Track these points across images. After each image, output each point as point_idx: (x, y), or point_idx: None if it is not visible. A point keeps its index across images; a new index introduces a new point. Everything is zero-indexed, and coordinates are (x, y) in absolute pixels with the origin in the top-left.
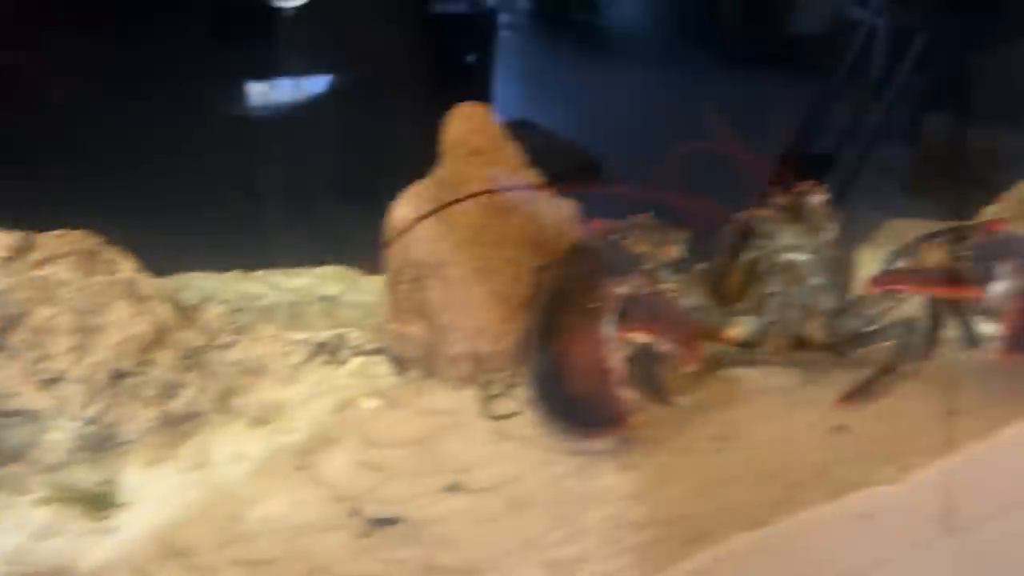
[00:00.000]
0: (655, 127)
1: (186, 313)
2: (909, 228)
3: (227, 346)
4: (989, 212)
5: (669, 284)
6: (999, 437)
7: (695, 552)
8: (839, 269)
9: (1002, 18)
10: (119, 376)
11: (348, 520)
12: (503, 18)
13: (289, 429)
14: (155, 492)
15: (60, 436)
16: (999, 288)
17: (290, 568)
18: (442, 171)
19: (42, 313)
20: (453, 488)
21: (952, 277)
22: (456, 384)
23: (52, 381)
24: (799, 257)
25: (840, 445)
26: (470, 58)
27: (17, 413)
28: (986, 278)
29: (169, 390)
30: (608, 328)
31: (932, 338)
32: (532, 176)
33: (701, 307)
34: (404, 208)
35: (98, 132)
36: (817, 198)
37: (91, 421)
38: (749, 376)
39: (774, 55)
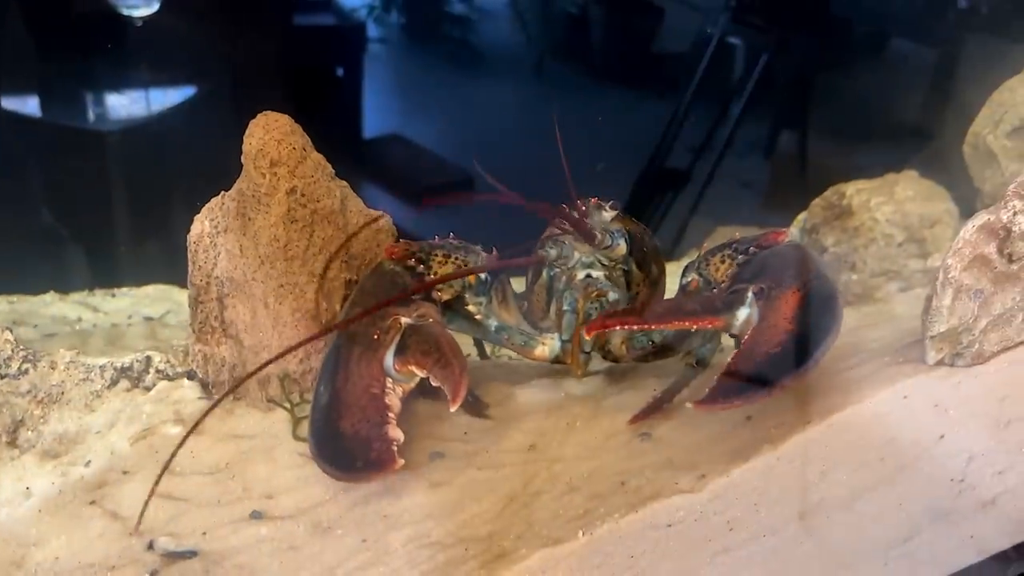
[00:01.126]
0: (523, 141)
1: None
2: (731, 233)
3: (18, 374)
4: (799, 219)
5: (472, 306)
6: (785, 446)
7: (497, 572)
8: (637, 281)
9: (845, 38)
10: None
11: (142, 555)
12: (374, 32)
13: (83, 461)
14: None
15: None
16: (742, 316)
17: None
18: (241, 183)
19: None
20: (256, 516)
21: (688, 309)
22: (265, 407)
23: None
24: (593, 273)
25: (643, 453)
26: (338, 71)
27: None
28: (734, 304)
29: None
30: (388, 361)
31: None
32: (341, 188)
33: (507, 327)
34: (203, 222)
35: None
36: (606, 214)
37: None
38: (564, 385)
39: (640, 72)
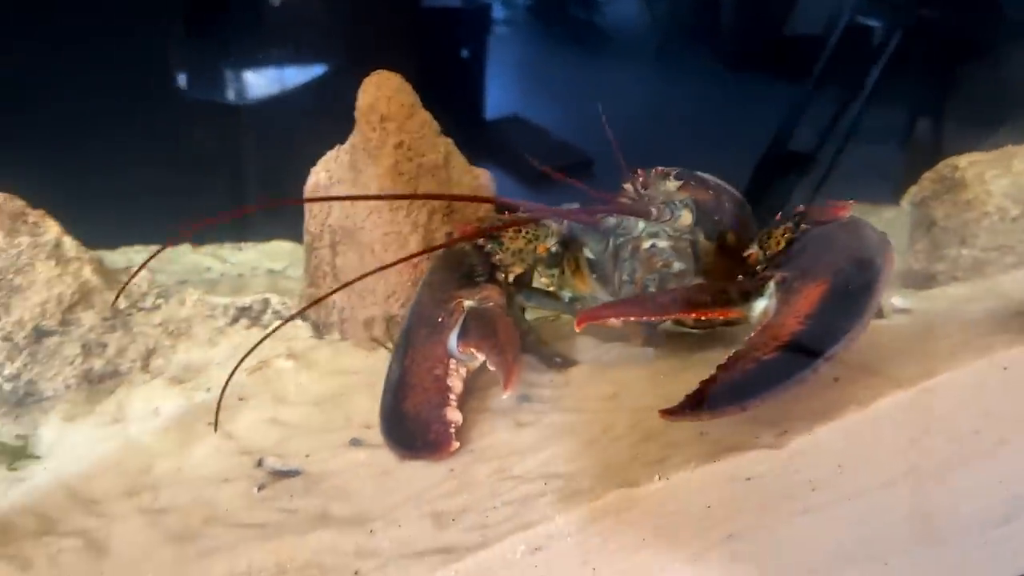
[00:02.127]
0: (645, 124)
1: (115, 276)
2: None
3: (152, 309)
4: (910, 191)
5: (546, 278)
6: (874, 408)
7: (572, 507)
8: (707, 252)
9: (986, 15)
10: (41, 335)
11: (251, 472)
12: (499, 13)
13: (204, 387)
14: (70, 445)
15: None
16: (760, 307)
17: (189, 516)
18: (354, 138)
19: None
20: (355, 443)
21: (699, 299)
22: (369, 346)
23: None
24: (658, 243)
25: None
26: (464, 53)
27: None
28: (752, 293)
29: (91, 349)
30: (452, 342)
31: None
32: (445, 144)
33: (581, 297)
34: (319, 174)
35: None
36: (670, 184)
37: (11, 378)
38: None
39: (770, 54)
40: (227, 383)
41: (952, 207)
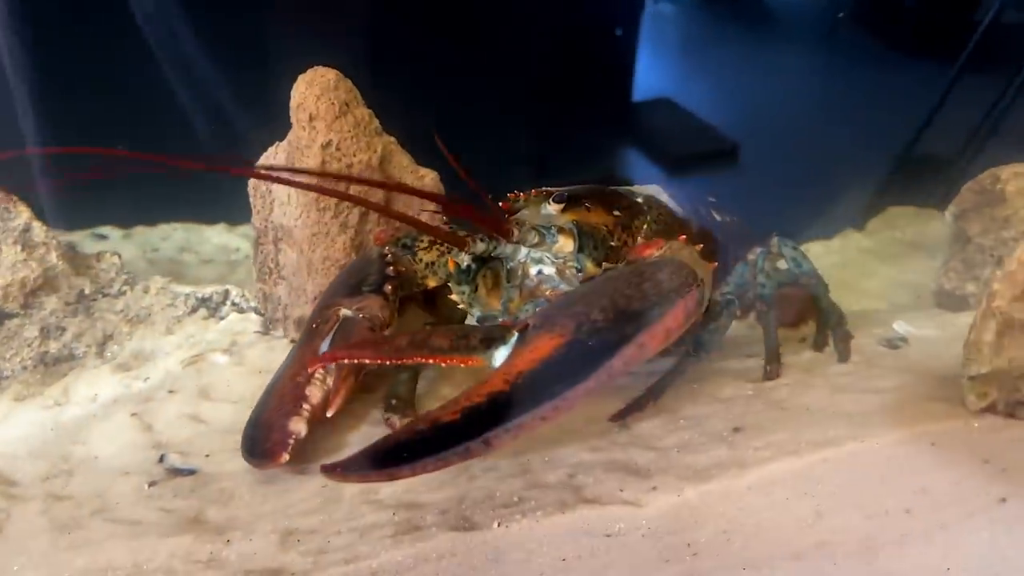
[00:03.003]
0: (805, 113)
1: (84, 261)
2: (901, 215)
3: (117, 295)
4: (951, 207)
5: (456, 295)
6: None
7: (401, 546)
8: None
9: None
10: (2, 316)
11: (151, 467)
12: None
13: (144, 376)
14: (12, 425)
15: None
16: (501, 357)
17: (81, 506)
18: (290, 134)
19: None
20: None
21: (439, 344)
22: None
23: None
24: (544, 269)
25: None
26: (617, 30)
27: None
28: (495, 341)
29: (49, 332)
30: (323, 351)
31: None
32: (384, 144)
33: (490, 315)
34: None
35: None
36: (550, 208)
37: None
38: None
39: (958, 41)
40: None
41: (990, 222)
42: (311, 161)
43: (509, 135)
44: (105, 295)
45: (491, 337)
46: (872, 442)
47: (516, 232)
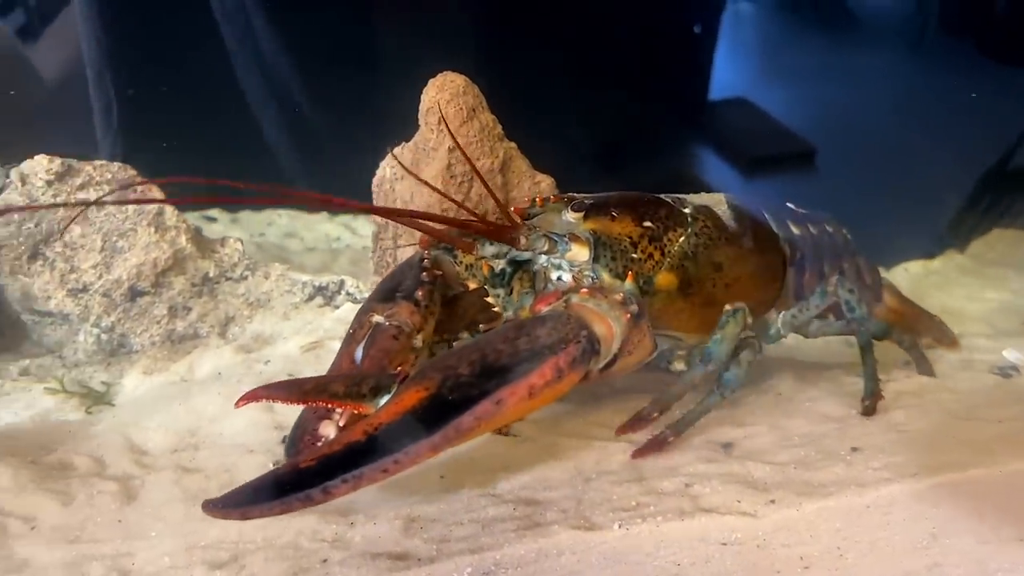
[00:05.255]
0: (885, 120)
1: (209, 246)
2: (1005, 238)
3: (239, 280)
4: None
5: (492, 298)
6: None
7: None
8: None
9: None
10: (136, 294)
11: (276, 447)
12: None
13: (265, 359)
14: (142, 397)
15: (84, 339)
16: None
17: (211, 479)
18: (418, 136)
19: (76, 231)
20: None
21: (335, 389)
22: None
23: (79, 291)
24: (563, 276)
25: None
26: (696, 28)
27: (50, 314)
28: (381, 389)
29: (177, 311)
30: (358, 355)
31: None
32: (506, 150)
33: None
34: (385, 168)
35: None
36: (568, 216)
37: (108, 329)
38: None
39: None
40: None
41: None
42: (437, 163)
43: (585, 134)
44: (228, 279)
45: (379, 386)
46: (995, 470)
47: (525, 239)
